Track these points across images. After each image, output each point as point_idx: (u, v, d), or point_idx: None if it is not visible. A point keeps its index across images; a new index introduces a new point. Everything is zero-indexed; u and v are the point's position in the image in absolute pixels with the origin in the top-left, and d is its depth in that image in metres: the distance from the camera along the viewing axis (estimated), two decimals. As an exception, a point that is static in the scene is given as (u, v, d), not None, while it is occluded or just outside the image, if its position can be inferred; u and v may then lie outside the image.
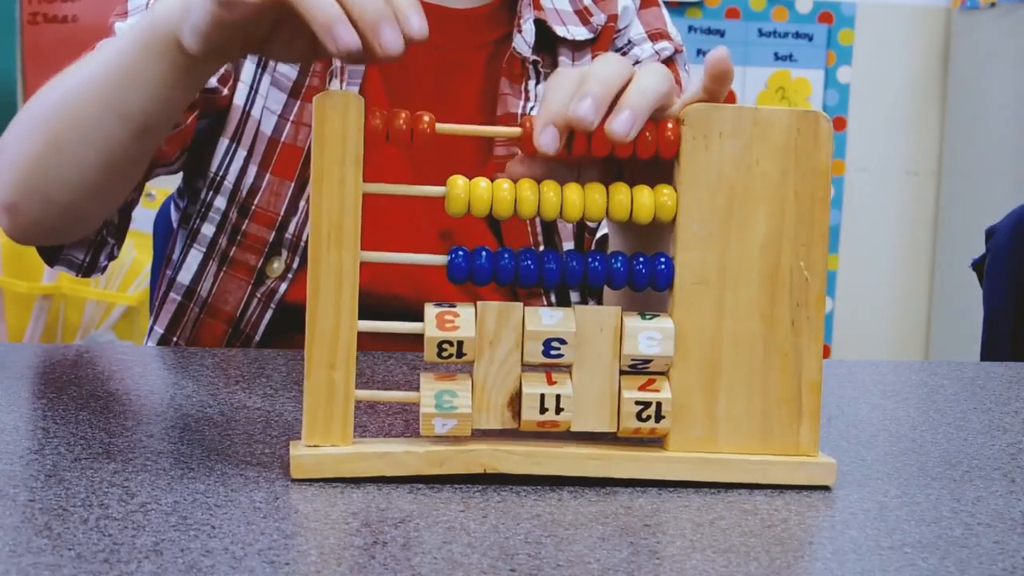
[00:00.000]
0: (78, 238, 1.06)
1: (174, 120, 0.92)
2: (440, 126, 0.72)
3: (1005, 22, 3.08)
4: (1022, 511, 0.71)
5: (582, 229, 1.18)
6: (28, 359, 0.99)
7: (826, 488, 0.73)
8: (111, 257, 1.13)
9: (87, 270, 1.11)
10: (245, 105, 1.10)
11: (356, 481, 0.70)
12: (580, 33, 1.17)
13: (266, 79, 1.10)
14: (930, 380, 1.07)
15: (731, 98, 0.76)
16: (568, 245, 1.15)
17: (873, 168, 3.34)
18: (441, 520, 0.65)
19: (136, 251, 2.82)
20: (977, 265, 1.52)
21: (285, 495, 0.67)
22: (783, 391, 0.73)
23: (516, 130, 0.73)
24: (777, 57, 3.26)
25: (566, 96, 0.70)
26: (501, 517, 0.66)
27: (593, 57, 1.17)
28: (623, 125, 0.69)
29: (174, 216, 1.22)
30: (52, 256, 1.08)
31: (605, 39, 1.18)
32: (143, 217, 3.15)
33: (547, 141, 0.70)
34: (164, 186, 2.74)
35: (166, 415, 0.83)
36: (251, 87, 1.10)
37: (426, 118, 0.71)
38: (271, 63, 1.11)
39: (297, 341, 1.11)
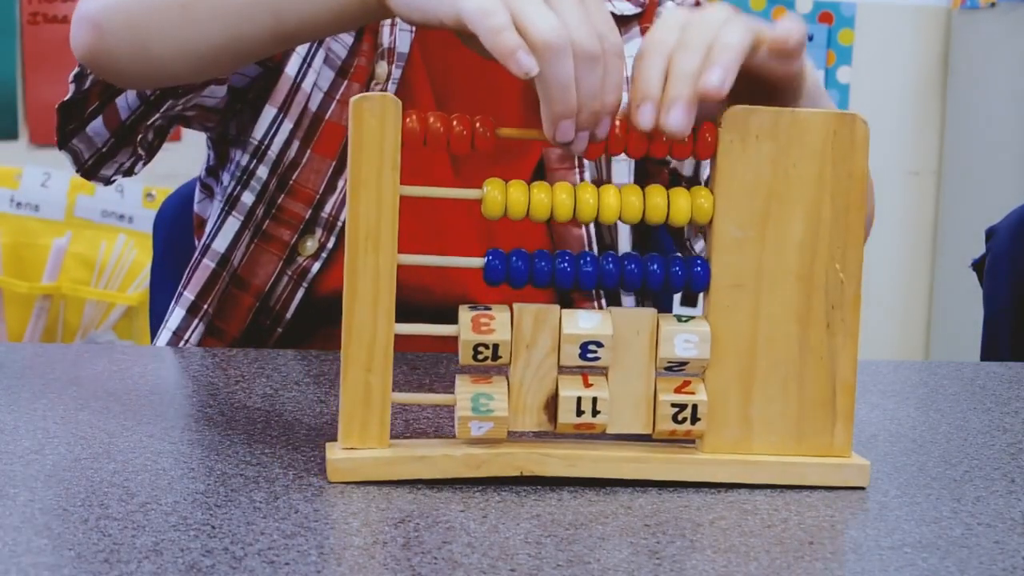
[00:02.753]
0: (128, 88, 1.03)
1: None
2: (503, 131, 0.72)
3: (1005, 22, 3.08)
4: (1022, 511, 0.71)
5: (642, 230, 1.17)
6: (28, 359, 0.99)
7: (828, 488, 0.73)
8: (122, 172, 1.11)
9: (88, 171, 1.10)
10: (296, 77, 1.09)
11: (356, 481, 0.70)
12: (626, 8, 1.16)
13: (320, 54, 1.09)
14: (930, 380, 1.07)
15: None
16: (625, 245, 1.15)
17: (873, 168, 3.31)
18: (441, 520, 0.65)
19: (136, 251, 2.82)
20: (977, 265, 1.52)
21: (285, 495, 0.67)
22: (818, 393, 0.74)
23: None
24: (777, 57, 3.26)
25: (655, 77, 0.71)
26: (501, 517, 0.66)
27: (642, 31, 1.16)
28: (680, 122, 0.70)
29: (199, 196, 1.20)
30: (64, 138, 1.07)
31: (651, 14, 1.17)
32: (143, 217, 3.15)
33: (645, 120, 0.70)
34: (165, 186, 2.74)
35: (166, 415, 0.83)
36: (304, 60, 1.09)
37: (478, 124, 0.71)
38: (327, 38, 1.09)
39: (327, 336, 1.11)
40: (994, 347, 1.49)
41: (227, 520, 0.63)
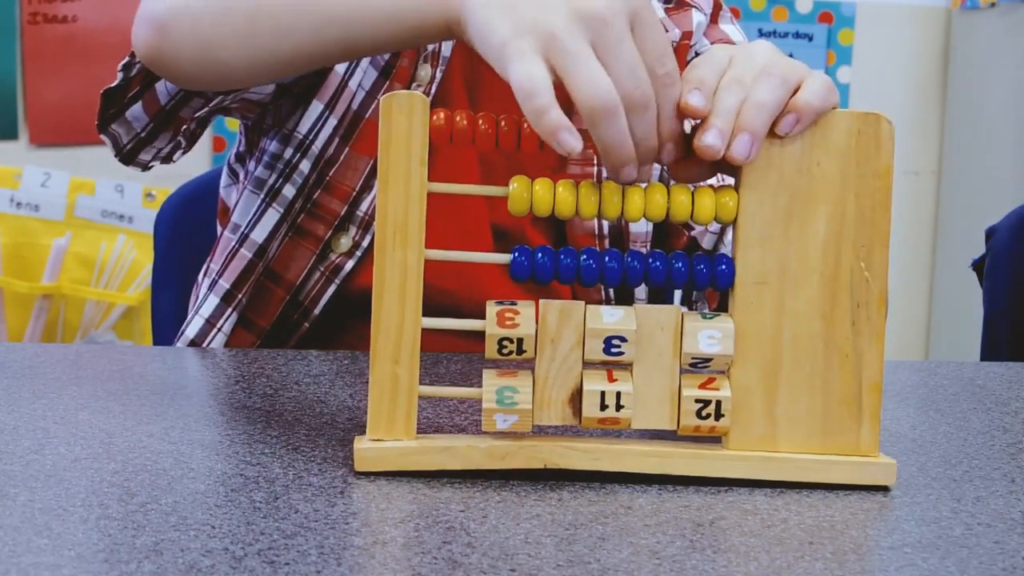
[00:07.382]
0: (188, 88, 1.03)
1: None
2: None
3: (1005, 22, 3.08)
4: (1022, 511, 0.71)
5: (659, 235, 1.17)
6: (28, 359, 0.99)
7: (828, 488, 0.73)
8: (161, 158, 1.11)
9: (126, 156, 1.10)
10: (344, 75, 1.09)
11: (357, 481, 0.70)
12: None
13: None
14: (930, 380, 1.07)
15: None
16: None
17: (873, 168, 3.34)
18: (441, 520, 0.65)
19: (136, 251, 2.82)
20: (977, 265, 1.52)
21: (285, 495, 0.67)
22: (843, 391, 0.74)
23: None
24: (777, 57, 3.26)
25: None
26: (501, 517, 0.66)
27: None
28: (744, 149, 0.71)
29: (225, 181, 1.20)
30: (104, 123, 1.08)
31: (679, 57, 1.17)
32: (143, 217, 3.14)
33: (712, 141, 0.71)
34: (165, 186, 2.75)
35: (166, 415, 0.83)
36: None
37: (503, 122, 0.72)
38: None
39: (356, 331, 1.11)
40: (994, 347, 1.49)
41: (227, 520, 0.63)
